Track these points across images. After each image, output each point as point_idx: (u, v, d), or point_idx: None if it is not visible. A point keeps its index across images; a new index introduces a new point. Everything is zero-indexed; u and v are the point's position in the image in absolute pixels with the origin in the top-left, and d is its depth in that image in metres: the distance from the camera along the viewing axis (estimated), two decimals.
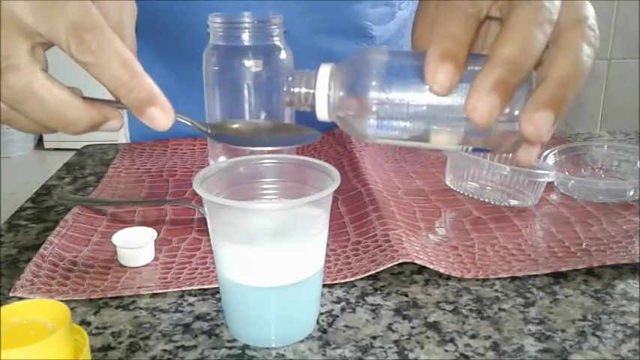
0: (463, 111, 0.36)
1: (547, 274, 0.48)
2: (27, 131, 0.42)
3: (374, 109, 0.38)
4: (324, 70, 0.40)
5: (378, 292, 0.47)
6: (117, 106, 0.42)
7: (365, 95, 0.38)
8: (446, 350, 0.40)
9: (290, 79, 0.40)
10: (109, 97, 0.41)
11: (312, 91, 0.40)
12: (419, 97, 0.38)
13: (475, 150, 0.41)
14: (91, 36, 0.37)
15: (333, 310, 0.44)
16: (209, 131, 0.44)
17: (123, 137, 0.89)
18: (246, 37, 0.60)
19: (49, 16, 0.38)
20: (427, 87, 0.37)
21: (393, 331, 0.42)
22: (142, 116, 0.40)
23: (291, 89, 0.40)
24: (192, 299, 0.46)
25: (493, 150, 0.43)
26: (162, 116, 0.40)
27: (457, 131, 0.39)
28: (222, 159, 0.66)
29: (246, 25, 0.60)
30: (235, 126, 0.47)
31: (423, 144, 0.40)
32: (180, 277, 0.48)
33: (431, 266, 0.48)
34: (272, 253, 0.39)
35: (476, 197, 0.62)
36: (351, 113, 0.39)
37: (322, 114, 0.40)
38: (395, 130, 0.39)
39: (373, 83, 0.38)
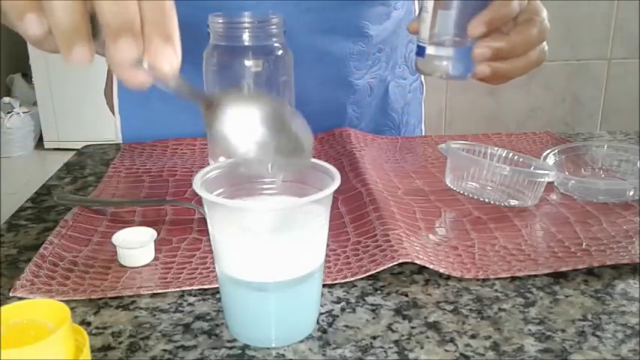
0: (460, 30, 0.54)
1: (547, 274, 0.49)
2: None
3: None
4: None
5: (378, 292, 0.47)
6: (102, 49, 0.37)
7: None
8: (446, 350, 0.40)
9: None
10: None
11: None
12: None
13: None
14: None
15: (333, 310, 0.44)
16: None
17: (117, 139, 0.89)
18: (246, 37, 0.60)
19: None
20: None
21: (393, 331, 0.42)
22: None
23: None
24: (192, 299, 0.46)
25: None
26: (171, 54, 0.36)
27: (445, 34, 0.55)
28: (222, 159, 0.65)
29: (247, 25, 0.60)
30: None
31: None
32: (180, 277, 0.48)
33: (431, 266, 0.48)
34: (271, 250, 0.39)
35: (476, 197, 0.62)
36: None
37: None
38: None
39: None
